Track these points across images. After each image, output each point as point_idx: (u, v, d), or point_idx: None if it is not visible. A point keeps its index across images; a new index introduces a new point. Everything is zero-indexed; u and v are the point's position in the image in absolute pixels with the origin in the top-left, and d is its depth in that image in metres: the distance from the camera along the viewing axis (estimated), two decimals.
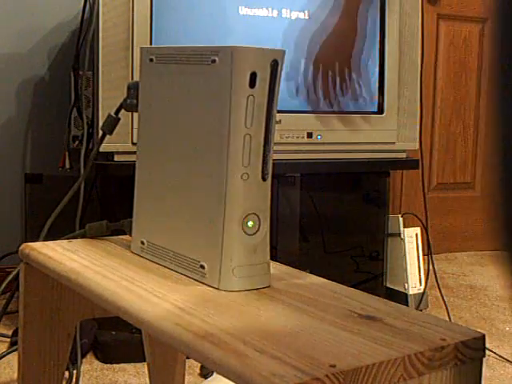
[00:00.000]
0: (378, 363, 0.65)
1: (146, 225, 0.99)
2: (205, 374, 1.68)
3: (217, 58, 0.85)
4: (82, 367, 1.70)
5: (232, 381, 0.64)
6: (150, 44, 1.71)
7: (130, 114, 1.67)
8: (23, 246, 1.05)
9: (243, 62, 0.83)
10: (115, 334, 1.78)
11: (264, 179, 0.88)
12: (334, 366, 0.63)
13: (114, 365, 1.74)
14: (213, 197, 0.86)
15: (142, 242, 1.00)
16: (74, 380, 1.62)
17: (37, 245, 1.05)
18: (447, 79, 2.94)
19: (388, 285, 2.23)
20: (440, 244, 2.98)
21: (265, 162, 0.87)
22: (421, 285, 2.18)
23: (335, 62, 1.76)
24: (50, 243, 1.06)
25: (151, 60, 0.96)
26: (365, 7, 1.93)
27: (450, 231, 3.04)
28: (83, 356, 1.75)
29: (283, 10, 1.86)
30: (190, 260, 0.90)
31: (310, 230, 2.15)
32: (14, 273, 1.84)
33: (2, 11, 2.21)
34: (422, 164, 2.16)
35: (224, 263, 0.86)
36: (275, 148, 0.89)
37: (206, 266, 0.88)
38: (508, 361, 1.85)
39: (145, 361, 1.28)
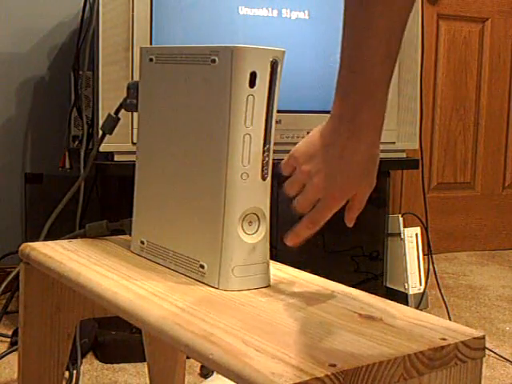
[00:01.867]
0: (378, 363, 0.65)
1: (146, 224, 0.99)
2: (205, 373, 1.68)
3: (217, 58, 0.85)
4: (81, 367, 1.70)
5: (232, 380, 0.64)
6: (150, 44, 1.71)
7: (129, 113, 1.67)
8: (23, 245, 1.05)
9: (243, 61, 0.83)
10: (115, 334, 1.78)
11: (264, 179, 0.88)
12: (334, 366, 0.63)
13: (114, 365, 1.74)
14: (212, 196, 0.86)
15: (142, 242, 1.00)
16: (74, 380, 1.62)
17: (37, 245, 1.05)
18: (447, 79, 2.94)
19: (388, 285, 2.23)
20: (440, 244, 2.98)
21: (264, 162, 0.87)
22: (421, 285, 2.18)
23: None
24: (50, 243, 1.06)
25: (151, 60, 0.96)
26: None
27: (450, 231, 3.04)
28: (83, 356, 1.75)
29: (283, 10, 1.86)
30: (190, 260, 0.90)
31: None
32: (14, 273, 1.84)
33: (2, 11, 2.21)
34: (422, 164, 2.16)
35: (224, 263, 0.86)
36: (275, 148, 0.89)
37: (205, 265, 0.88)
38: (508, 360, 1.85)
39: (145, 361, 1.28)
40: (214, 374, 1.59)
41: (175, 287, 0.86)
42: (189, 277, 0.90)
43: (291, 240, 0.87)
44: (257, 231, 0.88)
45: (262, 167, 0.87)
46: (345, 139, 0.82)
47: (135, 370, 1.71)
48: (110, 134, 1.12)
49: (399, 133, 2.02)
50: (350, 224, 0.88)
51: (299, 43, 1.88)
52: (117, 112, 1.09)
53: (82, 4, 1.99)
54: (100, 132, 1.13)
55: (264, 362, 0.64)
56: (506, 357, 1.87)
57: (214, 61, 0.85)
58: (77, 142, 1.97)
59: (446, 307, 2.18)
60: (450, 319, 2.11)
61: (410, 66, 2.02)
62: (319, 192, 0.84)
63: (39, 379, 1.07)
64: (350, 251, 2.22)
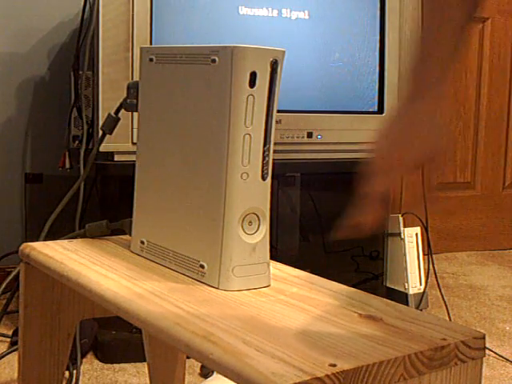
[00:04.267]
0: (378, 363, 0.65)
1: (146, 224, 0.99)
2: (205, 373, 1.68)
3: (217, 58, 0.85)
4: (81, 367, 1.70)
5: (232, 380, 0.64)
6: (150, 44, 1.71)
7: (130, 113, 1.67)
8: (23, 245, 1.05)
9: (243, 61, 0.83)
10: (115, 334, 1.78)
11: (264, 179, 0.88)
12: (334, 366, 0.63)
13: (114, 365, 1.74)
14: (212, 196, 0.86)
15: (142, 242, 1.00)
16: (74, 380, 1.62)
17: (37, 245, 1.05)
18: None
19: (388, 284, 2.23)
20: (440, 244, 2.98)
21: (264, 162, 0.87)
22: (421, 284, 2.18)
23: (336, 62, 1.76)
24: (50, 243, 1.06)
25: (151, 60, 0.96)
26: (365, 7, 1.93)
27: (450, 231, 3.04)
28: (83, 356, 1.75)
29: (283, 10, 1.86)
30: (190, 259, 0.90)
31: (310, 230, 2.15)
32: (14, 273, 1.84)
33: (2, 11, 2.21)
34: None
35: (224, 263, 0.86)
36: (275, 148, 0.89)
37: (205, 265, 0.88)
38: (508, 360, 1.85)
39: (145, 361, 1.28)
40: (214, 373, 1.59)
41: (175, 287, 0.86)
42: (189, 277, 0.90)
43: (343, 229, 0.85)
44: (257, 231, 0.88)
45: (262, 167, 0.87)
46: (404, 101, 0.83)
47: (135, 370, 1.71)
48: (110, 134, 1.12)
49: None
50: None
51: (299, 43, 1.88)
52: (117, 112, 1.09)
53: (82, 4, 1.99)
54: (100, 132, 1.14)
55: (264, 361, 0.64)
56: (506, 357, 1.87)
57: (214, 61, 0.85)
58: (77, 142, 1.97)
59: (446, 307, 2.18)
60: (450, 319, 2.11)
61: None
62: (380, 163, 0.83)
63: (39, 379, 1.07)
64: (349, 251, 2.22)
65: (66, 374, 1.61)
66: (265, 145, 0.87)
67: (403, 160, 0.83)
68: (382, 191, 0.83)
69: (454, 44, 0.85)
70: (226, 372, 0.65)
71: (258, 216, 0.88)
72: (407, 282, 2.16)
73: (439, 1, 0.85)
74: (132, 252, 1.02)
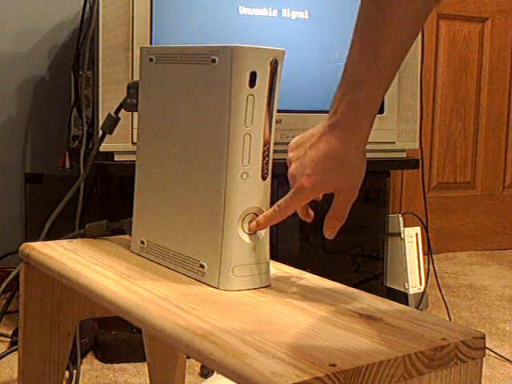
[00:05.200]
0: (378, 362, 0.65)
1: (146, 224, 0.99)
2: (205, 373, 1.67)
3: (217, 58, 0.85)
4: (81, 367, 1.69)
5: (232, 380, 0.65)
6: (150, 44, 1.71)
7: (129, 113, 1.67)
8: (23, 245, 1.05)
9: (243, 61, 0.83)
10: (115, 334, 1.78)
11: (264, 179, 0.88)
12: (334, 366, 0.63)
13: (114, 364, 1.74)
14: (212, 196, 0.86)
15: (142, 242, 1.00)
16: (74, 380, 1.62)
17: (37, 244, 1.05)
18: (447, 79, 2.94)
19: (388, 284, 2.23)
20: (440, 244, 2.98)
21: (265, 162, 0.87)
22: (421, 284, 2.18)
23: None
24: (50, 243, 1.06)
25: (151, 60, 0.96)
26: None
27: (450, 231, 3.04)
28: (83, 356, 1.75)
29: (283, 10, 1.86)
30: (190, 259, 0.90)
31: (310, 229, 2.14)
32: (14, 273, 1.84)
33: (3, 11, 2.21)
34: (422, 164, 2.16)
35: (224, 263, 0.86)
36: (275, 148, 0.89)
37: (205, 265, 0.88)
38: (508, 360, 1.85)
39: (145, 360, 1.28)
40: (214, 373, 1.59)
41: (175, 287, 0.86)
42: (189, 277, 0.90)
43: (253, 226, 0.87)
44: (257, 231, 0.88)
45: (262, 167, 0.87)
46: (324, 129, 0.82)
47: (135, 370, 1.71)
48: (110, 133, 1.12)
49: (399, 132, 2.02)
50: (327, 235, 0.87)
51: (299, 43, 1.88)
52: (117, 112, 1.09)
53: (82, 4, 1.99)
54: (100, 132, 1.14)
55: (264, 361, 0.64)
56: (506, 357, 1.87)
57: (214, 61, 0.85)
58: (77, 142, 1.97)
59: (446, 307, 2.18)
60: (450, 319, 2.11)
61: (409, 65, 2.02)
62: (292, 179, 0.85)
63: (39, 379, 1.07)
64: (350, 251, 2.22)
65: (66, 374, 1.61)
66: (265, 145, 0.87)
67: (305, 186, 0.84)
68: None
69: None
70: (226, 372, 0.65)
71: (257, 216, 0.88)
72: (407, 282, 2.16)
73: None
74: (132, 252, 1.02)
